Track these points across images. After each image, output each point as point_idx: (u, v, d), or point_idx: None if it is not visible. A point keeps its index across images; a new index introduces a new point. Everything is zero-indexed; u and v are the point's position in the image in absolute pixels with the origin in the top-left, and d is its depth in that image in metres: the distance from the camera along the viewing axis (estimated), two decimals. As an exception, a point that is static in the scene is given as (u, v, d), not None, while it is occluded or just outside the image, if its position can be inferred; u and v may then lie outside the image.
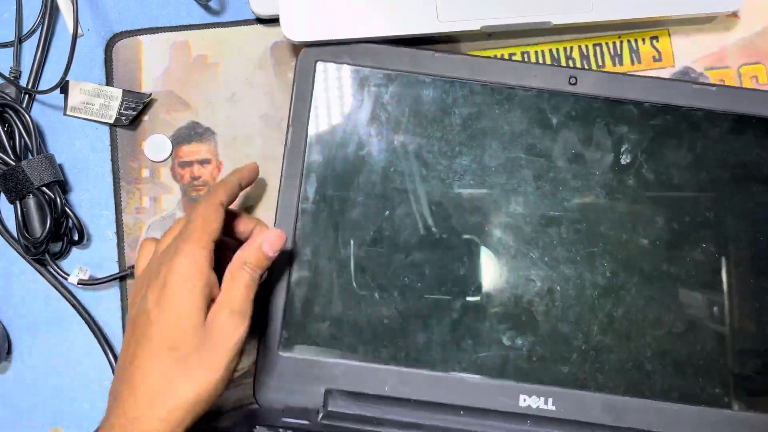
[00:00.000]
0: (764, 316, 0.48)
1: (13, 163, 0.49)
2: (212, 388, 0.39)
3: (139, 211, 0.53)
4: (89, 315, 0.52)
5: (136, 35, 0.54)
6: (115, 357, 0.51)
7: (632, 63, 0.54)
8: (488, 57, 0.53)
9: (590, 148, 0.49)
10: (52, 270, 0.51)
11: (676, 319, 0.48)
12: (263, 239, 0.43)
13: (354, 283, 0.48)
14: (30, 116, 0.51)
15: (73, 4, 0.49)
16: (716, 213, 0.49)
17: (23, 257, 0.52)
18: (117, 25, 0.54)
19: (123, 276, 0.52)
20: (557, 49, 0.54)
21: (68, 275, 0.51)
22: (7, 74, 0.52)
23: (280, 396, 0.47)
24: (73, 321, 0.52)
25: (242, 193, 0.49)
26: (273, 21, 0.53)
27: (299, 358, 0.47)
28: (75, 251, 0.53)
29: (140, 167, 0.53)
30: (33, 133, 0.51)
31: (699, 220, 0.49)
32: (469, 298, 0.48)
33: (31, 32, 0.54)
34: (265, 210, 0.53)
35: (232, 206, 0.48)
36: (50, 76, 0.54)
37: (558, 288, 0.48)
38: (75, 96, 0.53)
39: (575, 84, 0.49)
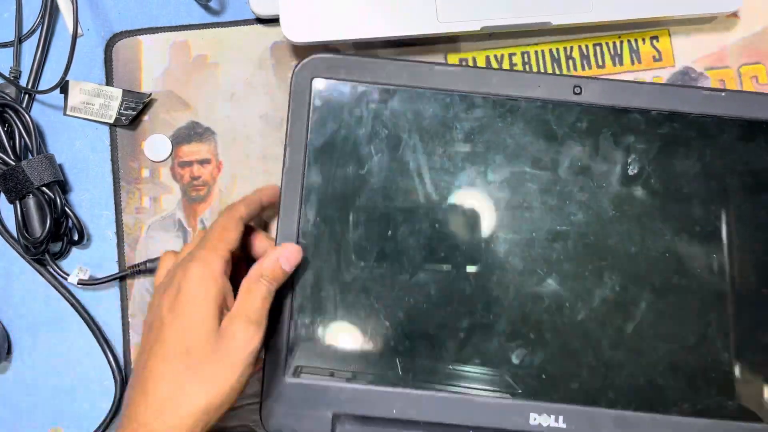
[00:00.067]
0: (777, 328, 0.48)
1: (13, 163, 0.49)
2: (224, 396, 0.39)
3: (139, 211, 0.53)
4: (89, 315, 0.52)
5: (136, 35, 0.54)
6: (115, 357, 0.51)
7: (632, 63, 0.54)
8: (489, 68, 0.52)
9: (597, 160, 0.48)
10: (52, 270, 0.51)
11: (688, 332, 0.47)
12: (280, 253, 0.43)
13: (358, 306, 0.47)
14: (30, 116, 0.51)
15: (73, 4, 0.49)
16: (727, 223, 0.48)
17: (23, 257, 0.52)
18: (117, 25, 0.54)
19: (123, 276, 0.52)
20: (557, 49, 0.54)
21: (68, 275, 0.51)
22: (7, 74, 0.52)
23: (288, 422, 0.45)
24: (73, 321, 0.52)
25: None
26: (273, 21, 0.53)
27: (305, 383, 0.46)
28: (75, 251, 0.53)
29: (140, 167, 0.53)
30: (33, 133, 0.51)
31: (709, 231, 0.47)
32: (476, 317, 0.47)
33: (31, 32, 0.54)
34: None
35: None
36: (50, 76, 0.54)
37: (567, 304, 0.47)
38: (75, 96, 0.53)
39: (580, 93, 0.48)
